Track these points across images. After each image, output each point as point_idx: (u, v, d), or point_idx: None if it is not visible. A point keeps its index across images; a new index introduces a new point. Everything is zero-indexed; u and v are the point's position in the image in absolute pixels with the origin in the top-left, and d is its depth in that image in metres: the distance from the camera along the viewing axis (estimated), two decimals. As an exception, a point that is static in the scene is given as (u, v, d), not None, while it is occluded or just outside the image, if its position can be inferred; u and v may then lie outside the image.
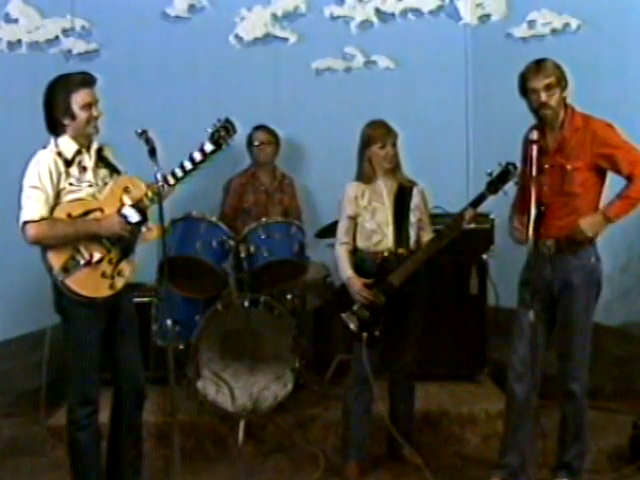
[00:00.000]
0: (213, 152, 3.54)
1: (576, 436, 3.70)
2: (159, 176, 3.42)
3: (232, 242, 4.53)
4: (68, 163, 3.46)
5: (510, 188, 3.61)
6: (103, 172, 3.57)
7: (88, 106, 3.45)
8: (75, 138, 3.49)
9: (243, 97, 5.38)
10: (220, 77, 5.50)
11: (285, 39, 5.57)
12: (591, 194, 3.62)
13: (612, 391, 4.82)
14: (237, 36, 5.55)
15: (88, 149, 3.54)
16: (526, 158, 3.56)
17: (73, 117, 3.45)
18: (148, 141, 3.42)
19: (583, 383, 3.65)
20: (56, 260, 3.41)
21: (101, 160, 3.58)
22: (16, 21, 5.35)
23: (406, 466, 4.08)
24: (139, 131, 3.46)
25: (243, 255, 4.50)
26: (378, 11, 5.56)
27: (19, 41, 5.35)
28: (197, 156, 3.54)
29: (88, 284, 3.44)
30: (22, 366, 5.11)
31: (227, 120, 3.58)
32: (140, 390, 3.66)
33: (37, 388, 4.97)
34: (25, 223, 3.39)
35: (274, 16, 5.55)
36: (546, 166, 3.55)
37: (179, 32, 5.50)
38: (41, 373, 5.05)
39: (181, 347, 4.57)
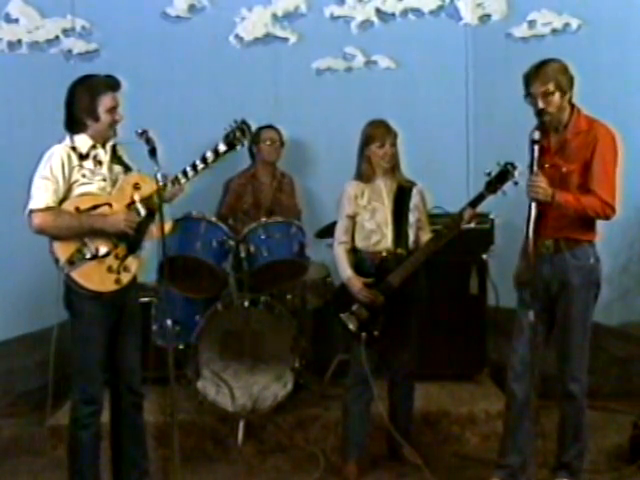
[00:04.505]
0: (225, 152, 3.57)
1: (575, 436, 3.69)
2: (159, 176, 3.42)
3: (232, 242, 4.53)
4: (82, 157, 3.47)
5: (509, 188, 3.61)
6: (117, 169, 3.58)
7: (113, 110, 3.49)
8: (93, 137, 3.51)
9: (243, 97, 5.37)
10: (220, 77, 5.49)
11: (285, 39, 5.56)
12: None
13: (612, 391, 4.82)
14: (237, 36, 5.55)
15: (103, 145, 3.55)
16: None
17: (97, 119, 3.48)
18: (148, 141, 3.44)
19: (582, 383, 3.64)
20: (62, 252, 3.41)
21: (115, 157, 3.59)
22: (16, 21, 5.35)
23: (406, 466, 4.09)
24: (139, 131, 3.48)
25: (243, 255, 4.50)
26: (378, 11, 5.56)
27: (19, 41, 5.35)
28: (210, 156, 3.56)
29: (94, 278, 3.44)
30: (22, 366, 5.11)
31: (243, 122, 3.61)
32: (136, 390, 3.65)
33: (37, 388, 4.98)
34: (31, 212, 3.40)
35: (274, 16, 5.54)
36: (546, 166, 3.54)
37: (179, 32, 5.49)
38: (42, 373, 5.07)
39: (181, 347, 4.58)
